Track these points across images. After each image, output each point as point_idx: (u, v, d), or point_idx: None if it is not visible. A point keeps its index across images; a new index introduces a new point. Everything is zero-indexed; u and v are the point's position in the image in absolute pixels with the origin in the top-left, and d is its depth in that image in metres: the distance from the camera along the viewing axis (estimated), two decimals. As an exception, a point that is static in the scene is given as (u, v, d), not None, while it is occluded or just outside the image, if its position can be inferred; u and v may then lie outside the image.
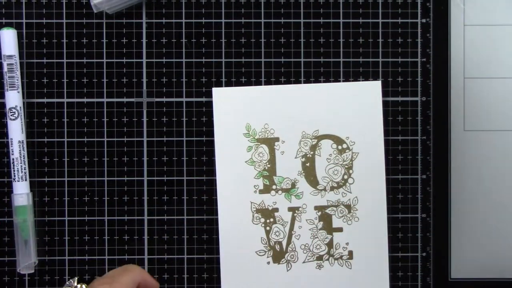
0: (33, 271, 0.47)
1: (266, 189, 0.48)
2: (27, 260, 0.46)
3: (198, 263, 0.48)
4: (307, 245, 0.48)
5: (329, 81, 0.48)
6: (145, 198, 0.48)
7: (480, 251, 0.49)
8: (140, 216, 0.48)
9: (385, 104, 0.48)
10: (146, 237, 0.48)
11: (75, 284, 0.43)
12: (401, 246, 0.48)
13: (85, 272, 0.48)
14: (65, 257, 0.48)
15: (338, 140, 0.48)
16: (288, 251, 0.48)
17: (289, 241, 0.48)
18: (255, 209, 0.48)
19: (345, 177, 0.48)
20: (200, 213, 0.48)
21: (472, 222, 0.49)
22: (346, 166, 0.48)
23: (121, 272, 0.40)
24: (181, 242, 0.48)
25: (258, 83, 0.48)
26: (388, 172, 0.48)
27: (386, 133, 0.48)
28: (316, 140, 0.48)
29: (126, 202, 0.48)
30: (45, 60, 0.48)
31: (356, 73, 0.48)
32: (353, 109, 0.47)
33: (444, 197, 0.48)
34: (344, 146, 0.48)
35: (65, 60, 0.48)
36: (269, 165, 0.48)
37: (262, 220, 0.48)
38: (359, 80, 0.48)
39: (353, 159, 0.47)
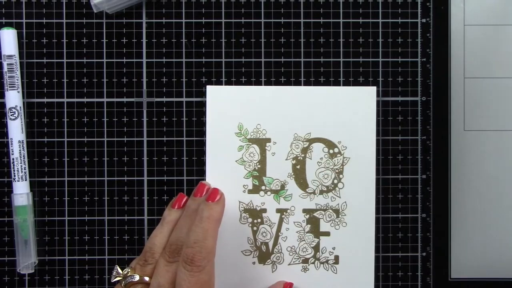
0: (33, 271, 0.47)
1: (255, 190, 0.48)
2: (27, 260, 0.46)
3: (198, 263, 0.48)
4: (293, 247, 0.48)
5: (329, 81, 0.48)
6: (145, 198, 0.48)
7: (480, 251, 0.49)
8: (140, 216, 0.48)
9: (385, 104, 0.48)
10: (146, 236, 0.48)
11: (121, 271, 0.42)
12: (401, 246, 0.48)
13: (85, 272, 0.48)
14: (65, 257, 0.48)
15: (329, 144, 0.47)
16: (274, 252, 0.48)
17: (275, 243, 0.48)
18: (243, 208, 0.48)
19: (335, 181, 0.47)
20: (200, 213, 0.48)
21: (472, 222, 0.49)
22: (337, 171, 0.47)
23: (201, 236, 0.40)
24: (181, 242, 0.48)
25: (258, 83, 0.48)
26: (388, 172, 0.48)
27: (387, 133, 0.48)
28: (308, 143, 0.47)
29: (126, 202, 0.48)
30: (45, 60, 0.48)
31: (356, 72, 0.48)
32: (346, 114, 0.47)
33: (444, 197, 0.48)
34: (336, 150, 0.48)
35: (65, 60, 0.48)
36: (259, 166, 0.47)
37: (250, 220, 0.48)
38: (359, 80, 0.48)
39: (344, 164, 0.47)
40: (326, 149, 0.48)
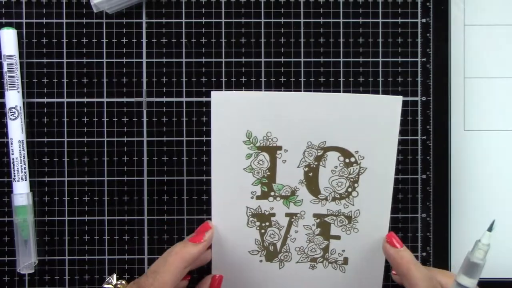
0: (33, 271, 0.47)
1: (263, 196, 0.46)
2: (27, 260, 0.46)
3: (198, 263, 0.48)
4: (302, 247, 0.47)
5: (329, 81, 0.48)
6: (145, 198, 0.48)
7: (480, 251, 0.49)
8: (140, 216, 0.48)
9: (385, 104, 0.48)
10: (146, 237, 0.48)
11: (115, 281, 0.42)
12: (401, 246, 0.48)
13: (85, 272, 0.48)
14: (65, 257, 0.48)
15: (346, 154, 0.45)
16: (282, 251, 0.47)
17: (283, 243, 0.46)
18: (250, 213, 0.46)
19: (349, 189, 0.45)
20: (200, 213, 0.48)
21: (472, 222, 0.49)
22: (352, 180, 0.45)
23: (161, 268, 0.39)
24: (181, 242, 0.48)
25: (258, 83, 0.48)
26: (388, 172, 0.48)
27: (386, 133, 0.48)
28: (322, 151, 0.45)
29: (126, 202, 0.48)
30: (45, 60, 0.48)
31: (356, 73, 0.48)
32: (367, 123, 0.44)
33: (444, 197, 0.48)
34: (352, 159, 0.45)
35: (65, 60, 0.48)
36: (268, 173, 0.45)
37: (258, 223, 0.46)
38: (359, 80, 0.48)
39: (360, 173, 0.45)
40: (341, 158, 0.45)
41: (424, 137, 0.48)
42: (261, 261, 0.47)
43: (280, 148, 0.45)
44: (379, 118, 0.44)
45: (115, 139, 0.48)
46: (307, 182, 0.45)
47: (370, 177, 0.45)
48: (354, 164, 0.45)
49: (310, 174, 0.45)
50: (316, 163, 0.45)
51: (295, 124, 0.44)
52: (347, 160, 0.45)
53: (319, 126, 0.44)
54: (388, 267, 0.48)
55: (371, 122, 0.44)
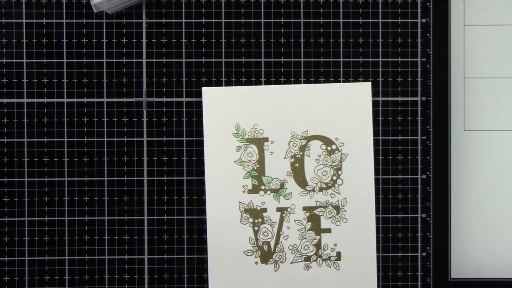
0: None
1: (254, 189, 0.48)
2: None
3: (198, 263, 0.48)
4: (295, 245, 0.48)
5: (330, 81, 0.48)
6: (145, 198, 0.48)
7: (480, 251, 0.49)
8: (140, 216, 0.48)
9: (385, 104, 0.48)
10: (146, 237, 0.48)
11: None
12: (401, 246, 0.48)
13: (85, 272, 0.48)
14: (65, 257, 0.48)
15: (327, 141, 0.48)
16: (276, 251, 0.48)
17: (277, 242, 0.48)
18: (243, 209, 0.48)
19: (334, 178, 0.48)
20: (200, 213, 0.48)
21: (472, 222, 0.49)
22: (335, 167, 0.48)
23: None
24: (181, 242, 0.48)
25: (258, 83, 0.48)
26: (388, 172, 0.48)
27: (387, 133, 0.48)
28: (305, 140, 0.48)
29: (126, 202, 0.48)
30: (45, 60, 0.48)
31: (356, 73, 0.48)
32: (342, 110, 0.47)
33: (444, 197, 0.48)
34: (333, 147, 0.48)
35: (65, 60, 0.48)
36: (258, 165, 0.48)
37: (250, 220, 0.48)
38: (359, 80, 0.48)
39: (342, 160, 0.48)
40: (324, 146, 0.48)
41: (424, 137, 0.48)
42: (256, 263, 0.48)
43: (267, 139, 0.48)
44: (352, 104, 0.47)
45: (115, 139, 0.48)
46: (294, 173, 0.48)
47: (352, 163, 0.48)
48: (336, 152, 0.48)
49: (296, 165, 0.48)
50: (301, 153, 0.48)
51: (279, 115, 0.48)
52: (329, 148, 0.48)
53: (301, 115, 0.47)
54: (378, 267, 0.48)
55: (346, 109, 0.47)
